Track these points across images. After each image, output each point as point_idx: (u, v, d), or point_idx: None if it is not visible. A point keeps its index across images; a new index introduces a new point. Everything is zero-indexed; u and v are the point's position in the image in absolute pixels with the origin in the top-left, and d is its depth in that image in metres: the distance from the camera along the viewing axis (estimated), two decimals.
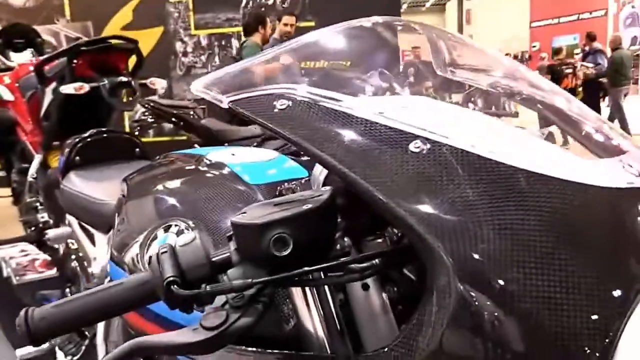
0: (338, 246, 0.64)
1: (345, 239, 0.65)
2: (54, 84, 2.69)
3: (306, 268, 0.59)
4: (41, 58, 2.95)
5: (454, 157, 0.55)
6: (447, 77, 0.80)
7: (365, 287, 0.69)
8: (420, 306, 0.56)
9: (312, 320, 0.69)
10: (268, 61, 0.73)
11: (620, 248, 0.52)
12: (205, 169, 1.04)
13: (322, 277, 0.65)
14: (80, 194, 1.59)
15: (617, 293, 0.49)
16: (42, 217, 3.00)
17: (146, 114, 4.04)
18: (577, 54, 11.34)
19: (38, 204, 3.06)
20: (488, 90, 0.79)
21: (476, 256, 0.51)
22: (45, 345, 1.85)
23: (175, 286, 0.58)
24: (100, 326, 1.28)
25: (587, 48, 10.61)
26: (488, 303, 0.50)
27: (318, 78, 0.69)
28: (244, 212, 0.62)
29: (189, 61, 6.23)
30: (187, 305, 0.60)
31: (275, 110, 0.63)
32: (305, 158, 1.01)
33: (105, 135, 1.82)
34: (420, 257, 0.67)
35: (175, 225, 0.90)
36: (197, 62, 6.24)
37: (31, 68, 3.06)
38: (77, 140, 1.77)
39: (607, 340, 0.47)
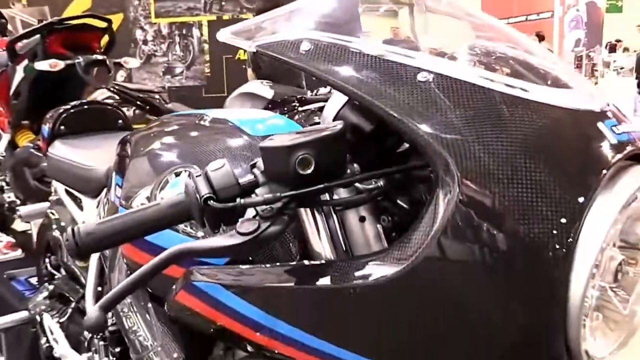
0: (349, 171, 0.75)
1: (355, 164, 0.76)
2: (25, 62, 2.69)
3: (326, 184, 0.69)
4: (13, 36, 2.93)
5: (454, 85, 0.67)
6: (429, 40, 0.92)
7: (362, 219, 0.80)
8: (419, 217, 0.66)
9: (320, 241, 0.79)
10: (285, 15, 0.84)
11: (580, 161, 0.65)
12: (208, 124, 1.12)
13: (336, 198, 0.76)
14: (68, 160, 1.63)
15: (580, 199, 0.61)
16: (9, 197, 2.99)
17: (107, 99, 4.04)
18: None
19: (4, 183, 3.05)
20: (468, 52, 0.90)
21: (471, 165, 0.62)
22: (25, 314, 1.89)
23: (211, 201, 0.68)
24: (90, 285, 1.34)
25: None
26: (480, 209, 0.62)
27: (331, 27, 0.79)
28: (271, 139, 0.72)
29: (149, 49, 6.20)
30: (218, 222, 0.70)
31: (301, 52, 0.74)
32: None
33: (89, 106, 1.86)
34: (420, 182, 0.79)
35: (186, 171, 0.97)
36: (157, 51, 6.21)
37: None
38: (62, 110, 1.81)
39: (570, 239, 0.60)
